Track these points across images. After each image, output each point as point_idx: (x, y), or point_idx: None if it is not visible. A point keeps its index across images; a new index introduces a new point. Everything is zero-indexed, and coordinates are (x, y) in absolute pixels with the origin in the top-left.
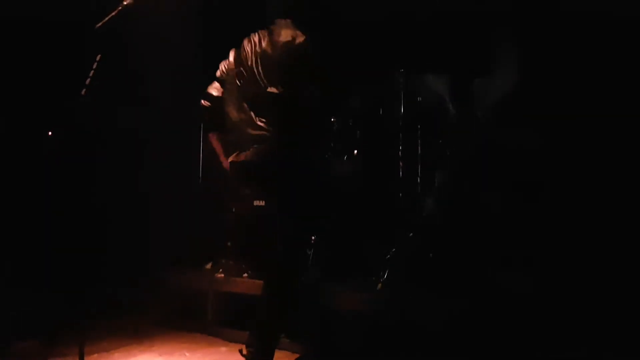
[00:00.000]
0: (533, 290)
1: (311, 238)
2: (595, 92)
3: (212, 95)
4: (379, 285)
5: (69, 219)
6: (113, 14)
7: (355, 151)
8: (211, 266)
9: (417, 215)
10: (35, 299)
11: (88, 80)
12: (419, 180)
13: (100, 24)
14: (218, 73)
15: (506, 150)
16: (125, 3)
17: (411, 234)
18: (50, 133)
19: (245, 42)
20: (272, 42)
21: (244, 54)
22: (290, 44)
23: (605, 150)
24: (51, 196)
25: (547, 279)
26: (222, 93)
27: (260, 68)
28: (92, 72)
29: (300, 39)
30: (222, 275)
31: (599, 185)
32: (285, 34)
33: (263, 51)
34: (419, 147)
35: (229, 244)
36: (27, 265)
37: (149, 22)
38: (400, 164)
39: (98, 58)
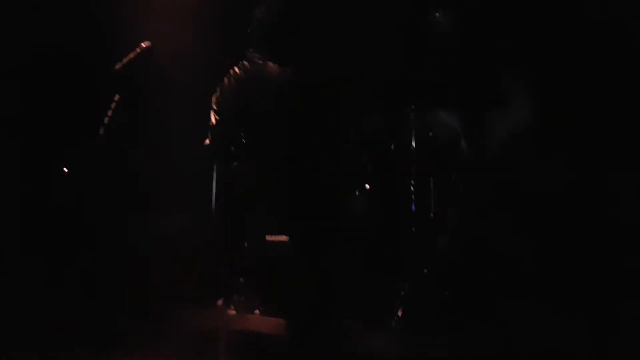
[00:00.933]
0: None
1: (326, 275)
2: (609, 126)
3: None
4: (393, 323)
5: (79, 254)
6: (132, 55)
7: (367, 186)
8: (222, 302)
9: (431, 252)
10: (45, 333)
11: (106, 120)
12: (432, 216)
13: (119, 65)
14: (212, 119)
15: (521, 188)
16: (143, 46)
17: (425, 271)
18: (65, 170)
19: (226, 79)
20: (247, 76)
21: (226, 90)
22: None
23: (625, 186)
24: (61, 232)
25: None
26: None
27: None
28: (109, 112)
29: (270, 71)
30: (234, 312)
31: (618, 223)
32: (257, 68)
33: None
34: (432, 183)
35: (241, 279)
36: (36, 299)
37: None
38: (413, 199)
39: (116, 98)
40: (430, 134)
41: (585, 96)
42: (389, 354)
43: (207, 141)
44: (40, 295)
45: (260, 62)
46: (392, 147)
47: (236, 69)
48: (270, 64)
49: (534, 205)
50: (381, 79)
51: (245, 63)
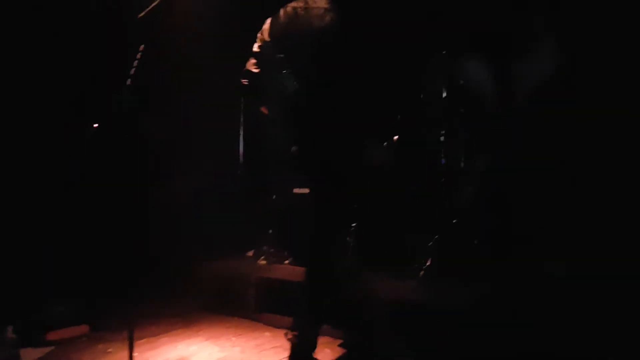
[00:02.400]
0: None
1: (351, 225)
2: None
3: (251, 72)
4: (421, 273)
5: (117, 209)
6: (155, 3)
7: (396, 137)
8: (253, 254)
9: (460, 202)
10: (86, 285)
11: (132, 71)
12: (462, 165)
13: (142, 13)
14: (254, 48)
15: (549, 134)
16: None
17: (455, 221)
18: (95, 125)
19: (281, 11)
20: (306, 11)
21: (280, 22)
22: (320, 18)
23: None
24: (96, 188)
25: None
26: (261, 68)
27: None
28: (135, 62)
29: (329, 15)
30: (265, 262)
31: None
32: (319, 4)
33: (298, 21)
34: (461, 132)
35: (270, 231)
36: (76, 254)
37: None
38: (442, 149)
39: (141, 48)
40: (461, 82)
41: (619, 42)
42: (417, 301)
43: (243, 80)
44: (78, 245)
45: (325, 3)
46: (422, 96)
47: (296, 4)
48: (332, 8)
49: (564, 155)
50: (411, 26)
51: (309, 1)
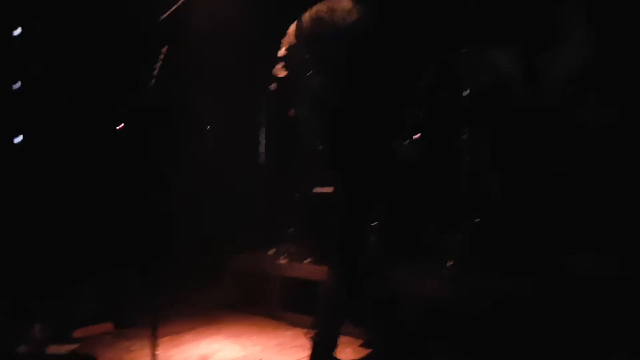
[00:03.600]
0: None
1: (374, 223)
2: None
3: (278, 77)
4: (446, 271)
5: (139, 208)
6: (177, 5)
7: (419, 134)
8: (274, 252)
9: (484, 198)
10: (110, 283)
11: (156, 72)
12: (487, 161)
13: (164, 15)
14: (281, 52)
15: (577, 128)
16: None
17: (478, 219)
18: (121, 126)
19: (306, 14)
20: (331, 13)
21: (305, 25)
22: (345, 18)
23: None
24: (120, 184)
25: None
26: (289, 71)
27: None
28: (159, 63)
29: (354, 13)
30: (286, 260)
31: None
32: (343, 5)
33: (323, 22)
34: (486, 128)
35: (291, 230)
36: (100, 250)
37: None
38: (467, 146)
39: (164, 50)
40: (485, 78)
41: None
42: (440, 299)
43: (272, 86)
44: (101, 243)
45: (349, 4)
46: (445, 92)
47: (320, 7)
48: (357, 7)
49: (591, 151)
50: (432, 22)
51: (333, 2)
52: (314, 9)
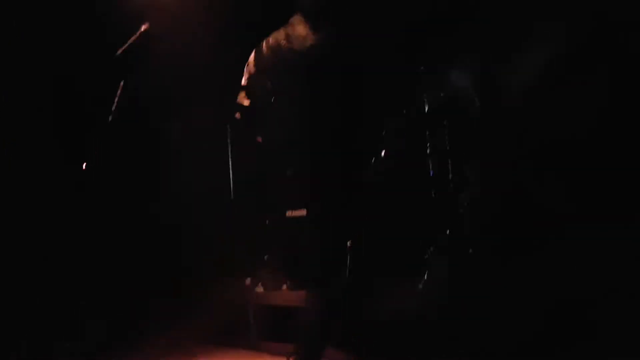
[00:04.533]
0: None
1: (347, 243)
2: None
3: (243, 105)
4: (420, 286)
5: (107, 239)
6: (132, 39)
7: (383, 152)
8: (250, 281)
9: (452, 212)
10: (81, 317)
11: (114, 107)
12: (450, 177)
13: (120, 50)
14: (243, 81)
15: (538, 139)
16: (143, 29)
17: (449, 231)
18: (84, 165)
19: (264, 43)
20: (288, 40)
21: (265, 54)
22: (302, 45)
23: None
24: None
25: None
26: (251, 100)
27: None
28: (116, 98)
29: (310, 39)
30: (262, 288)
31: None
32: (299, 32)
33: (281, 50)
34: (447, 143)
35: (266, 257)
36: (70, 284)
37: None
38: (430, 161)
39: (121, 84)
40: (442, 94)
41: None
42: (416, 314)
43: (237, 115)
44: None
45: (304, 30)
46: (405, 111)
47: (277, 35)
48: (312, 33)
49: (554, 155)
50: (391, 42)
51: (288, 29)
52: (272, 36)
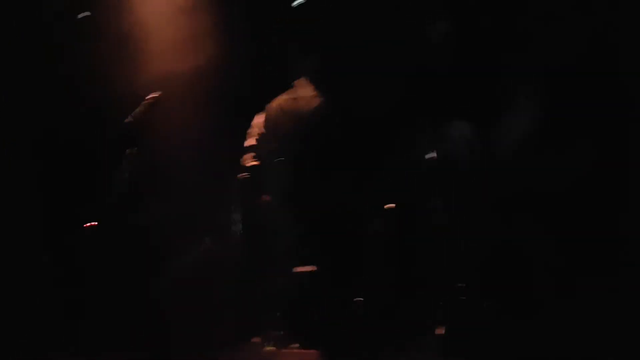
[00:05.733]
0: None
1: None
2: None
3: (249, 166)
4: (433, 343)
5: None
6: (140, 107)
7: (389, 205)
8: (260, 339)
9: (461, 266)
10: None
11: (121, 175)
12: (459, 230)
13: (128, 118)
14: (249, 142)
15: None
16: (151, 96)
17: (461, 285)
18: (86, 226)
19: (272, 105)
20: (294, 102)
21: (271, 116)
22: (307, 106)
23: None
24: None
25: None
26: (259, 160)
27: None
28: (123, 164)
29: (316, 100)
30: (273, 348)
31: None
32: (305, 93)
33: (288, 112)
34: (449, 197)
35: (276, 314)
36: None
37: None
38: (432, 215)
39: (128, 152)
40: (439, 149)
41: (591, 96)
42: None
43: (242, 175)
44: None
45: (310, 91)
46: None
47: (283, 98)
48: (318, 94)
49: (552, 208)
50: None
51: (294, 92)
52: (280, 98)
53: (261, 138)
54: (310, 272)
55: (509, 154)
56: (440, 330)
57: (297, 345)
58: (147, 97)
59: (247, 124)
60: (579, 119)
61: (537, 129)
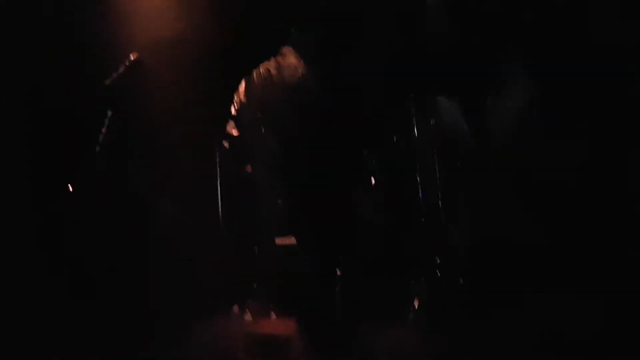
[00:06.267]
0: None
1: (337, 273)
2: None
3: (232, 135)
4: (410, 316)
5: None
6: (121, 69)
7: (373, 180)
8: (238, 309)
9: (443, 243)
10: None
11: (102, 138)
12: (440, 206)
13: (109, 80)
14: (233, 110)
15: (527, 171)
16: (132, 58)
17: (439, 261)
18: (70, 187)
19: (254, 73)
20: (279, 70)
21: (255, 84)
22: (293, 75)
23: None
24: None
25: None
26: (240, 130)
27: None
28: (104, 129)
29: (301, 70)
30: (251, 317)
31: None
32: (290, 62)
33: (272, 80)
34: (437, 172)
35: (254, 285)
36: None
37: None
38: (420, 190)
39: (109, 114)
40: (432, 122)
41: (590, 75)
42: (408, 349)
43: (225, 143)
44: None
45: (295, 60)
46: (395, 139)
47: (268, 65)
48: (303, 63)
49: (543, 188)
50: (380, 70)
51: (279, 59)
52: (263, 67)
53: (242, 107)
54: (291, 244)
55: (504, 135)
56: (416, 304)
57: (274, 315)
58: (127, 59)
59: (233, 90)
60: (577, 103)
61: (534, 110)
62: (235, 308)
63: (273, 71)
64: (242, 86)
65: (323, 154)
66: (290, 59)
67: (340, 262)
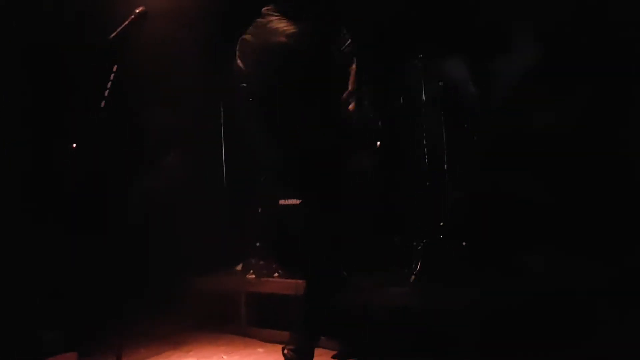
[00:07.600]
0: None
1: (341, 234)
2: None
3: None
4: (412, 278)
5: (96, 229)
6: (126, 23)
7: (378, 143)
8: (242, 268)
9: (446, 204)
10: (71, 309)
11: (106, 92)
12: (445, 168)
13: (113, 34)
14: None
15: (530, 131)
16: (137, 11)
17: (442, 223)
18: (74, 145)
19: (249, 30)
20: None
21: (242, 49)
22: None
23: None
24: (75, 206)
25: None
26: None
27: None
28: (109, 83)
29: (291, 29)
30: (253, 276)
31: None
32: (277, 24)
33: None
34: (444, 133)
35: (257, 244)
36: (64, 277)
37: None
38: (426, 151)
39: (114, 69)
40: (440, 83)
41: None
42: (409, 307)
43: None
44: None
45: (277, 18)
46: (402, 100)
47: (256, 26)
48: (286, 21)
49: (545, 149)
50: (386, 31)
51: (262, 20)
52: (252, 29)
53: (236, 69)
54: (294, 204)
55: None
56: (417, 266)
57: (277, 274)
58: (132, 13)
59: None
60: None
61: (534, 71)
62: (239, 267)
63: (263, 34)
64: (238, 44)
65: (320, 111)
66: (279, 21)
67: (342, 222)
